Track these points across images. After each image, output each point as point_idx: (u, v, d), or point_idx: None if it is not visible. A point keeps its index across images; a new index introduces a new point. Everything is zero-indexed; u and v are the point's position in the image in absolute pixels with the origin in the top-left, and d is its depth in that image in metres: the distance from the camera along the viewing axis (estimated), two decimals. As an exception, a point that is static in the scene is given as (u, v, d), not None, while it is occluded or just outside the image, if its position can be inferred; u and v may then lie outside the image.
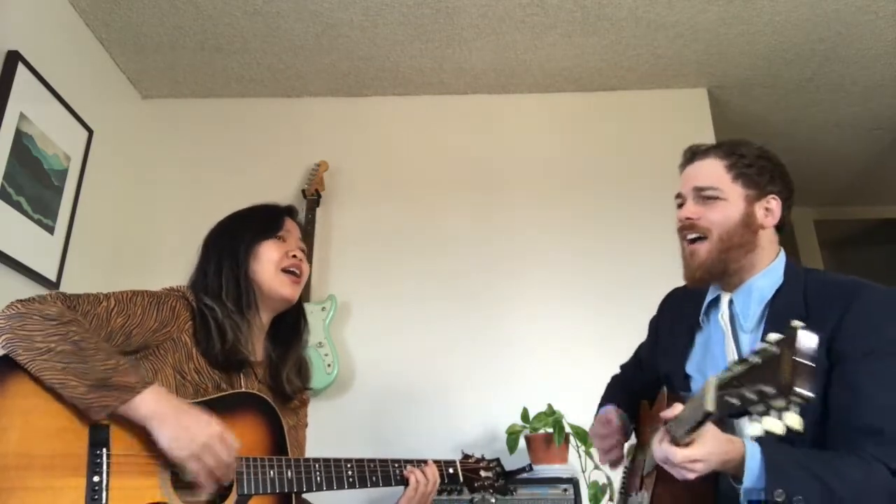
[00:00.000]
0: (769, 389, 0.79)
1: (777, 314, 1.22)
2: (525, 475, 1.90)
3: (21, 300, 1.15)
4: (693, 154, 1.37)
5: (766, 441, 1.06)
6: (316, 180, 2.74)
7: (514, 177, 2.86)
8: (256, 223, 1.49)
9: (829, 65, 2.81)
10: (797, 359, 0.76)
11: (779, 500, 0.98)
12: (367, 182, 2.86)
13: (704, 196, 1.30)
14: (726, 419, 1.06)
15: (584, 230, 2.76)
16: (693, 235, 1.30)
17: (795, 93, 3.00)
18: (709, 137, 2.85)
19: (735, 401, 0.85)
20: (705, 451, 1.00)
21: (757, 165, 1.30)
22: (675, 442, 1.01)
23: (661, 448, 1.04)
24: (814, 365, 0.76)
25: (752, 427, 0.80)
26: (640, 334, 1.67)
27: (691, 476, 1.02)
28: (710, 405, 0.90)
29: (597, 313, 2.58)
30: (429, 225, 2.79)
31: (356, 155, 2.90)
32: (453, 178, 2.86)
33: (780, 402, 0.78)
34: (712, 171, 1.31)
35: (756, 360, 0.84)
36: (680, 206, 1.35)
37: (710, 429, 1.00)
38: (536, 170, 2.87)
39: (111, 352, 1.15)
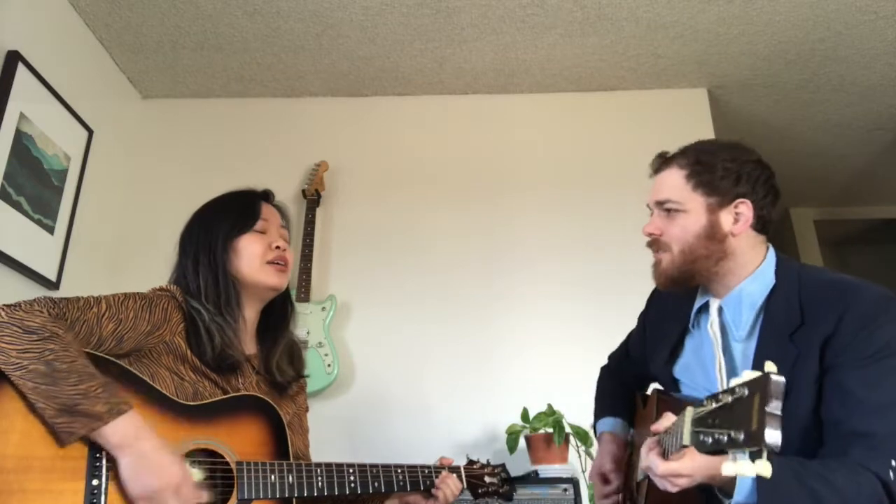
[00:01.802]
0: (739, 436, 0.79)
1: (772, 321, 1.19)
2: (526, 474, 1.90)
3: (7, 306, 1.11)
4: (659, 164, 1.34)
5: None
6: (316, 180, 2.74)
7: (513, 177, 2.86)
8: (232, 215, 1.42)
9: (829, 65, 2.81)
10: (767, 408, 0.76)
11: None
12: (367, 182, 2.86)
13: (666, 209, 1.28)
14: None
15: (584, 230, 2.75)
16: (657, 249, 1.30)
17: (795, 93, 3.00)
18: (708, 137, 2.84)
19: (708, 440, 0.85)
20: (692, 466, 0.99)
21: (720, 169, 1.24)
22: (664, 454, 1.01)
23: (647, 457, 1.04)
24: (780, 414, 0.76)
25: (726, 467, 0.79)
26: (640, 334, 1.67)
27: (673, 489, 1.01)
28: (685, 439, 0.91)
29: (597, 313, 2.58)
30: (429, 225, 2.79)
31: (356, 155, 2.90)
32: (453, 178, 2.86)
33: (751, 448, 0.78)
34: (672, 183, 1.28)
35: (727, 399, 0.84)
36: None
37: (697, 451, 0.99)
38: (536, 170, 2.87)
39: (86, 374, 1.09)
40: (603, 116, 2.95)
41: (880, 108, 3.12)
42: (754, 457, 0.77)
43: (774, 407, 0.76)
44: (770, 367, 0.78)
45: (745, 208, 1.23)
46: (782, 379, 0.77)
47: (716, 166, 1.24)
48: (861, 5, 2.47)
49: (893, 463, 1.02)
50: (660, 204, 1.29)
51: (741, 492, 1.00)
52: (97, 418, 1.07)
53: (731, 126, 3.14)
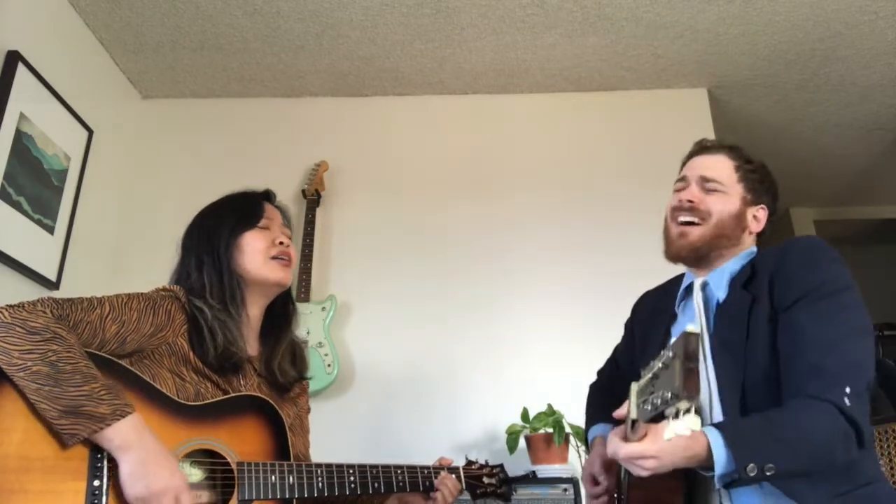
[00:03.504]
0: (667, 394, 0.83)
1: (734, 281, 1.32)
2: (524, 475, 1.90)
3: (10, 307, 1.11)
4: (704, 147, 1.47)
5: (724, 421, 1.12)
6: (316, 180, 2.74)
7: (513, 177, 2.86)
8: (235, 214, 1.43)
9: (829, 65, 2.81)
10: (688, 363, 0.80)
11: (752, 474, 1.00)
12: (367, 182, 2.86)
13: (708, 187, 1.38)
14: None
15: (584, 229, 2.76)
16: (688, 218, 1.37)
17: (795, 93, 3.00)
18: (709, 137, 2.84)
19: (648, 407, 0.89)
20: (656, 448, 1.00)
21: (760, 174, 1.41)
22: (626, 437, 1.02)
23: (610, 443, 1.05)
24: (696, 367, 0.81)
25: (667, 431, 0.84)
26: (640, 335, 1.66)
27: (644, 473, 1.03)
28: (633, 412, 0.94)
29: (597, 312, 2.57)
30: (428, 225, 2.79)
31: (356, 155, 2.90)
32: (453, 178, 2.86)
33: (682, 405, 0.82)
34: (721, 167, 1.40)
35: (658, 365, 0.88)
36: (679, 189, 1.42)
37: (662, 428, 1.00)
38: (536, 170, 2.87)
39: (89, 375, 1.10)
40: (603, 116, 2.95)
41: (880, 108, 3.12)
42: (685, 415, 0.83)
43: (691, 362, 0.81)
44: (690, 328, 0.83)
45: (763, 214, 1.40)
46: (696, 331, 0.83)
47: (758, 172, 1.41)
48: (861, 5, 2.47)
49: (847, 390, 1.08)
50: (705, 180, 1.39)
51: (720, 464, 1.02)
52: (100, 420, 1.07)
53: (731, 126, 3.14)
